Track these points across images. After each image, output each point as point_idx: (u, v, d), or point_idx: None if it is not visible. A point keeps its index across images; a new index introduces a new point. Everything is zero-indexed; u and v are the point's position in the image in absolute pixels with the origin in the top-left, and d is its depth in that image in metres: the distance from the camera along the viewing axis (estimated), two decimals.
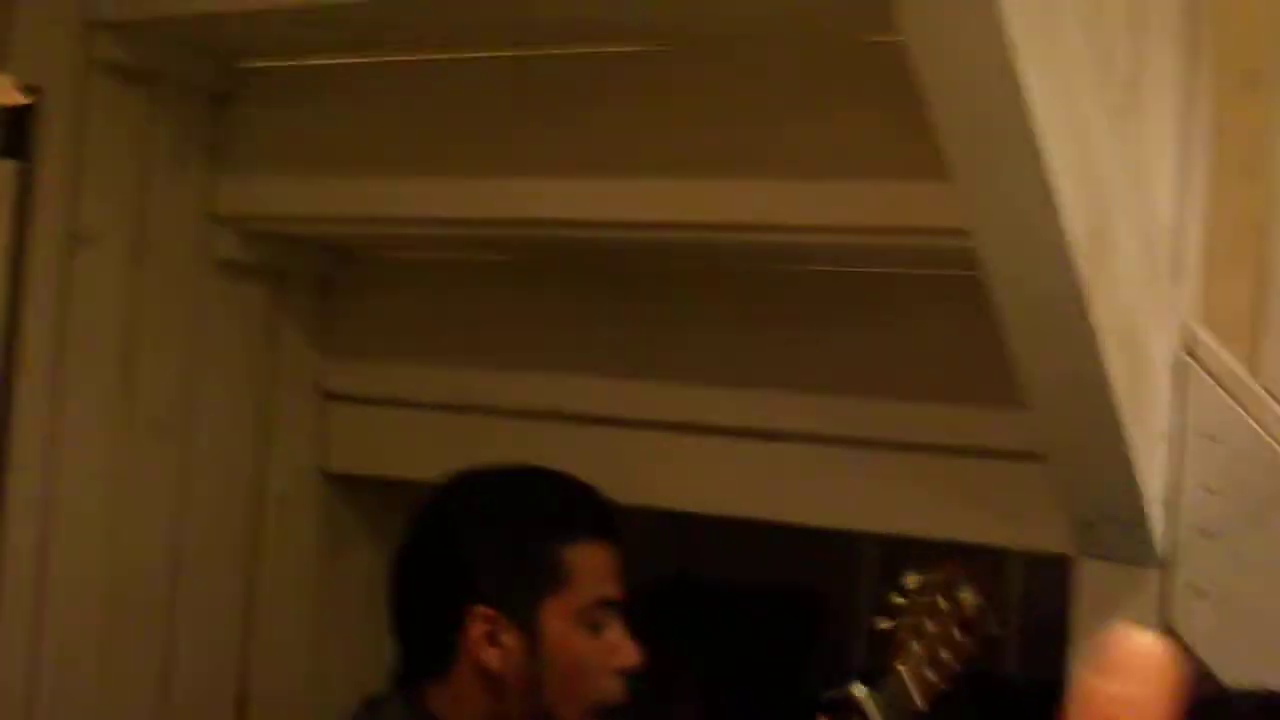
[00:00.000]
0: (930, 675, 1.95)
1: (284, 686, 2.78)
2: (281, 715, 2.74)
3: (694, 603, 3.38)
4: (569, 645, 2.01)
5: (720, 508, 2.48)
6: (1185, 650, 1.99)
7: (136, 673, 2.59)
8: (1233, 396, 1.97)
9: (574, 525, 2.06)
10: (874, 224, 2.08)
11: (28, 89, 2.07)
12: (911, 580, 2.00)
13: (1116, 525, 1.94)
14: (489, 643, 1.99)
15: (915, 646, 1.95)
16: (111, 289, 2.50)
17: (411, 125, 2.53)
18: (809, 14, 2.10)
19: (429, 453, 2.71)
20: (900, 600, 1.99)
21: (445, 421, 2.68)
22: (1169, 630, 1.99)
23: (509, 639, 2.00)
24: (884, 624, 1.97)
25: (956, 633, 1.98)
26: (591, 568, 2.04)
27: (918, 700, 1.92)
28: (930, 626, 1.96)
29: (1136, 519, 1.92)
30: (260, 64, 2.66)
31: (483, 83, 2.49)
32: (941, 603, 1.98)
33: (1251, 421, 1.95)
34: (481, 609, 1.99)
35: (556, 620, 2.01)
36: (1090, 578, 2.01)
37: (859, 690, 1.89)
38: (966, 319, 2.04)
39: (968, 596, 1.99)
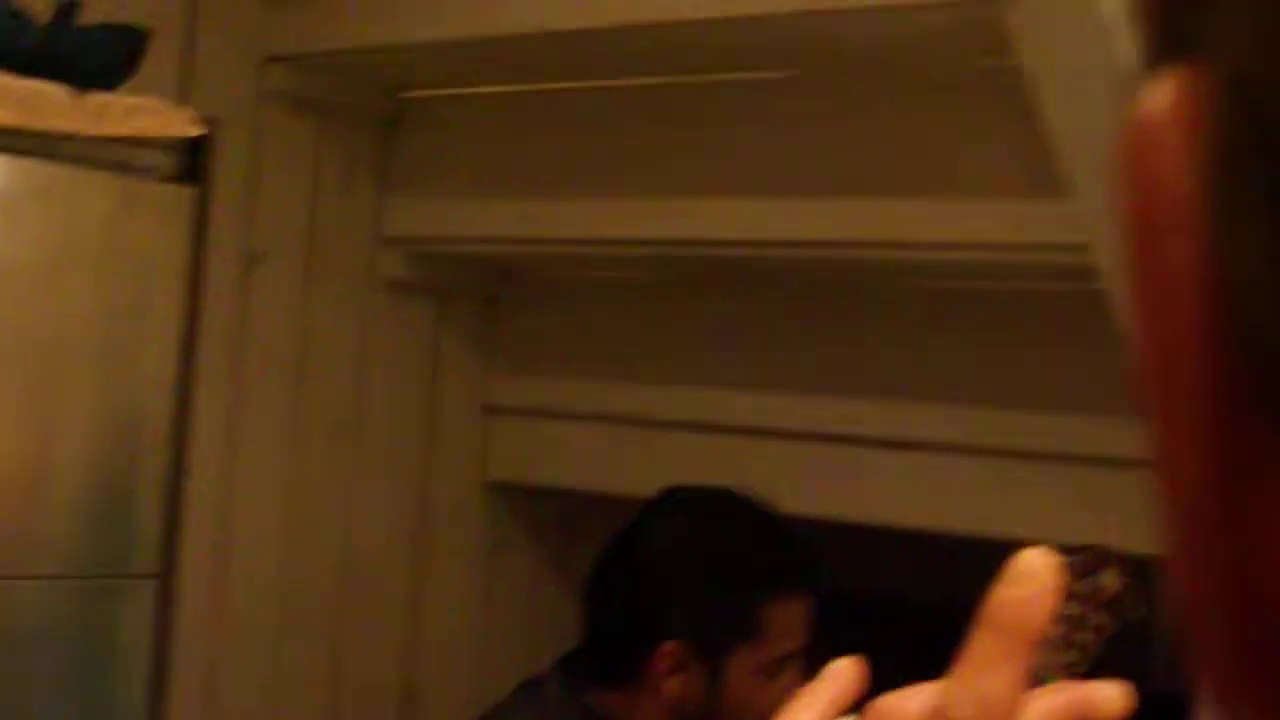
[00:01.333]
0: (1067, 657, 1.95)
1: (449, 683, 2.90)
2: (446, 710, 2.86)
3: (851, 616, 3.42)
4: (748, 693, 2.04)
5: (864, 516, 2.55)
6: None
7: (309, 670, 2.73)
8: None
9: (779, 581, 2.07)
10: (1001, 240, 2.15)
11: (205, 120, 2.21)
12: None
13: None
14: (673, 673, 2.04)
15: (1051, 630, 1.95)
16: (284, 306, 2.66)
17: (571, 149, 2.65)
18: (930, 39, 2.17)
19: (585, 463, 2.82)
20: None
21: (601, 433, 2.79)
22: None
23: (693, 673, 2.04)
24: None
25: (1095, 614, 1.97)
26: (786, 623, 2.07)
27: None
28: (1069, 609, 1.96)
29: None
30: (425, 92, 2.79)
31: (638, 109, 2.59)
32: (1079, 586, 1.97)
33: None
34: (673, 645, 2.03)
35: (742, 668, 2.05)
36: None
37: None
38: (1094, 331, 2.10)
39: (1109, 578, 1.98)
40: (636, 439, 2.74)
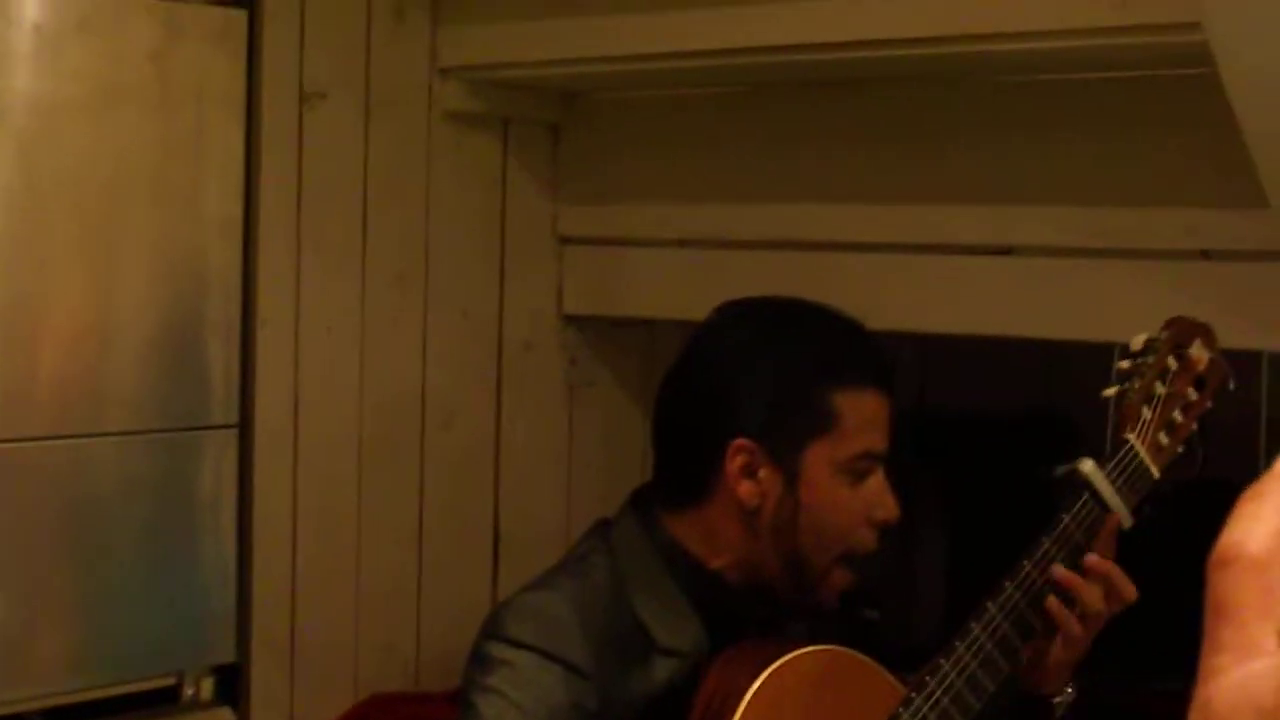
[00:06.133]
0: (1164, 440, 1.82)
1: (534, 523, 2.84)
2: (534, 549, 2.81)
3: (936, 430, 3.35)
4: (827, 492, 1.94)
5: (958, 327, 2.45)
6: None
7: (394, 517, 2.68)
8: None
9: (849, 370, 1.96)
10: (1100, 24, 2.02)
11: None
12: (1136, 342, 1.85)
13: None
14: (745, 475, 1.94)
15: (1146, 412, 1.82)
16: (344, 143, 2.56)
17: None
18: None
19: (665, 290, 2.73)
20: (1125, 365, 1.82)
21: (680, 258, 2.70)
22: None
23: (767, 475, 1.93)
24: (1109, 391, 1.81)
25: (1191, 391, 1.85)
26: (861, 416, 1.96)
27: (1153, 470, 1.79)
28: (1160, 389, 1.84)
29: None
30: None
31: None
32: (1171, 362, 1.84)
33: None
34: (742, 441, 1.93)
35: (818, 465, 1.94)
36: None
37: (1086, 465, 1.77)
38: (1199, 120, 1.99)
39: (1198, 351, 1.85)
40: (715, 262, 2.64)
